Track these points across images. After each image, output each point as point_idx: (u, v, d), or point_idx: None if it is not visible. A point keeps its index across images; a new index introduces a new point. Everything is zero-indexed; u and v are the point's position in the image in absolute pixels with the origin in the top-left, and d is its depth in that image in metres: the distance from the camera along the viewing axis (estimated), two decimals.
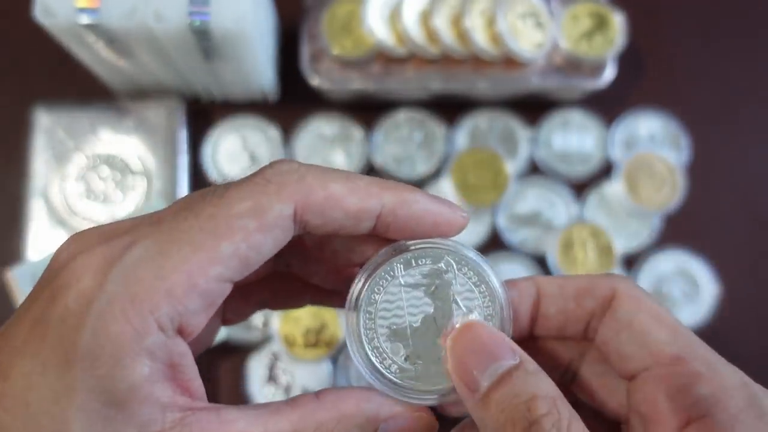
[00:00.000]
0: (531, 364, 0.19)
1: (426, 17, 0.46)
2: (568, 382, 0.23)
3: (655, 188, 0.49)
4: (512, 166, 0.49)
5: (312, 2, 0.48)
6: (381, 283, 0.21)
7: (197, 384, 0.19)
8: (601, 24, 0.48)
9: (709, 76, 0.54)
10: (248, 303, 0.25)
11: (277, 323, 0.45)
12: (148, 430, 0.17)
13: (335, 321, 0.45)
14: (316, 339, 0.45)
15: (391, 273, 0.21)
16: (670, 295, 0.49)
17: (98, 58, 0.44)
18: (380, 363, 0.21)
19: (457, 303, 0.21)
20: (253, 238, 0.18)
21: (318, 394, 0.20)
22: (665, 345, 0.20)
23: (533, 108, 0.51)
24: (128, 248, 0.17)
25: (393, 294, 0.21)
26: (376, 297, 0.21)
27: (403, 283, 0.21)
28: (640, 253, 0.49)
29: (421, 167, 0.50)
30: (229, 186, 0.19)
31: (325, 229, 0.20)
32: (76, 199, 0.47)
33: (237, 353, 0.47)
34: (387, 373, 0.21)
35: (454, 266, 0.21)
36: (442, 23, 0.46)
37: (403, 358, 0.21)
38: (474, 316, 0.21)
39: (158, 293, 0.17)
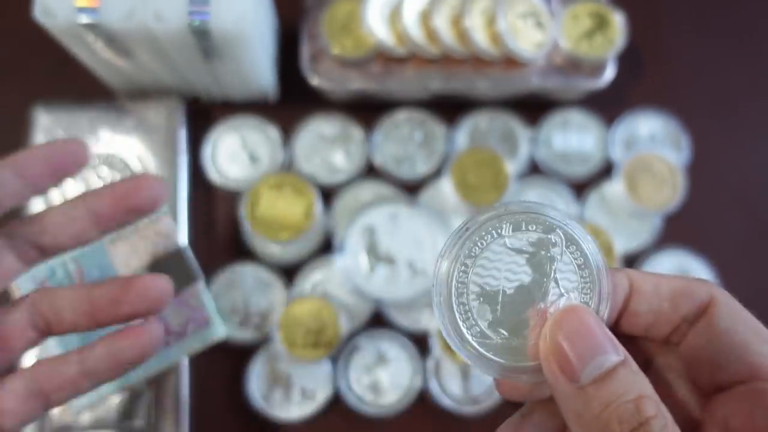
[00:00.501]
0: (634, 363, 0.19)
1: (426, 17, 0.46)
2: None
3: (656, 188, 0.49)
4: (512, 166, 0.49)
5: (312, 2, 0.48)
6: (486, 237, 0.20)
7: None
8: (601, 24, 0.48)
9: (709, 76, 0.54)
10: (16, 398, 0.27)
11: (277, 323, 0.45)
12: None
13: (335, 321, 0.45)
14: (316, 339, 0.45)
15: (499, 230, 0.20)
16: None
17: (98, 58, 0.44)
18: (464, 322, 0.20)
19: (556, 281, 0.20)
20: None
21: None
22: (766, 359, 0.19)
23: (533, 108, 0.51)
24: None
25: (495, 252, 0.20)
26: (477, 251, 0.20)
27: (508, 244, 0.20)
28: (640, 253, 0.49)
29: (421, 167, 0.50)
30: None
31: None
32: None
33: (236, 353, 0.47)
34: (467, 334, 0.20)
35: (563, 242, 0.20)
36: (442, 23, 0.46)
37: (487, 323, 0.20)
38: (573, 298, 0.20)
39: None
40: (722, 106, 0.53)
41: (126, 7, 0.39)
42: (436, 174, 0.50)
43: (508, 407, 0.47)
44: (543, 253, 0.20)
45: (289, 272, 0.48)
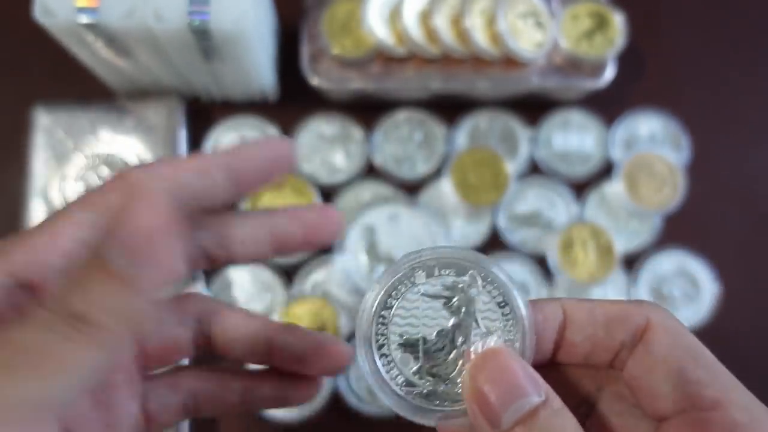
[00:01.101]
0: (556, 401, 0.18)
1: (426, 17, 0.46)
2: (583, 415, 0.21)
3: (656, 188, 0.49)
4: (512, 166, 0.49)
5: (312, 2, 0.48)
6: (399, 288, 0.20)
7: None
8: (601, 24, 0.48)
9: (709, 76, 0.54)
10: (175, 392, 0.24)
11: None
12: None
13: (335, 322, 0.45)
14: None
15: (412, 280, 0.20)
16: (670, 296, 0.49)
17: (98, 57, 0.44)
18: (387, 372, 0.20)
19: (477, 321, 0.20)
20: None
21: None
22: (703, 387, 0.19)
23: (533, 108, 0.51)
24: None
25: (410, 302, 0.20)
26: (393, 302, 0.20)
27: (422, 291, 0.20)
28: (640, 253, 0.49)
29: (421, 167, 0.50)
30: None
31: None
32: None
33: None
34: (392, 384, 0.20)
35: (479, 282, 0.20)
36: (442, 23, 0.46)
37: (412, 370, 0.20)
38: (494, 339, 0.20)
39: None
40: (722, 106, 0.53)
41: (126, 7, 0.39)
42: (436, 174, 0.50)
43: None
44: (460, 295, 0.20)
45: (289, 272, 0.48)
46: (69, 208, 0.20)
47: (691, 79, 0.54)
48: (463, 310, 0.20)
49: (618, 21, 0.48)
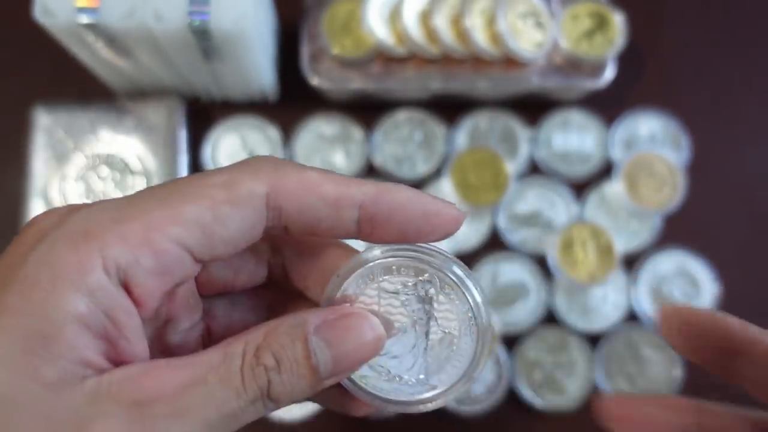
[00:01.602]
0: None
1: (426, 17, 0.46)
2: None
3: (656, 188, 0.49)
4: (512, 166, 0.49)
5: (312, 2, 0.48)
6: (359, 283, 0.20)
7: (134, 355, 0.17)
8: (601, 24, 0.48)
9: (709, 76, 0.54)
10: (235, 310, 0.23)
11: None
12: (61, 380, 0.16)
13: None
14: None
15: (371, 276, 0.20)
16: (670, 295, 0.49)
17: (98, 58, 0.44)
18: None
19: (435, 320, 0.20)
20: (219, 209, 0.17)
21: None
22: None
23: (533, 108, 0.51)
24: (100, 202, 0.18)
25: (369, 297, 0.20)
26: (353, 297, 0.20)
27: (381, 287, 0.20)
28: (640, 253, 0.49)
29: (421, 167, 0.50)
30: (224, 167, 0.19)
31: (304, 220, 0.19)
32: (76, 199, 0.47)
33: None
34: (354, 377, 0.20)
35: (438, 282, 0.20)
36: (442, 23, 0.46)
37: (370, 366, 0.20)
38: (455, 340, 0.20)
39: (111, 233, 0.16)
40: (722, 105, 0.53)
41: (126, 7, 0.39)
42: (436, 174, 0.50)
43: (507, 407, 0.47)
44: (418, 294, 0.20)
45: None
46: (172, 190, 0.18)
47: (691, 79, 0.54)
48: (423, 308, 0.20)
49: (618, 21, 0.48)
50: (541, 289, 0.48)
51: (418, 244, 0.20)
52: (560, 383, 0.47)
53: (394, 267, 0.20)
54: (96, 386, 0.16)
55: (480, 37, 0.46)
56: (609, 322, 0.48)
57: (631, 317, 0.48)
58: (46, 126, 0.48)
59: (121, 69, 0.46)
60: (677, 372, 0.47)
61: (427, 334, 0.20)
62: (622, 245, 0.48)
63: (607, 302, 0.48)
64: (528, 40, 0.47)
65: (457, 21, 0.46)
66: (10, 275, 0.16)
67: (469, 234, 0.49)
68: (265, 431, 0.46)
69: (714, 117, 0.53)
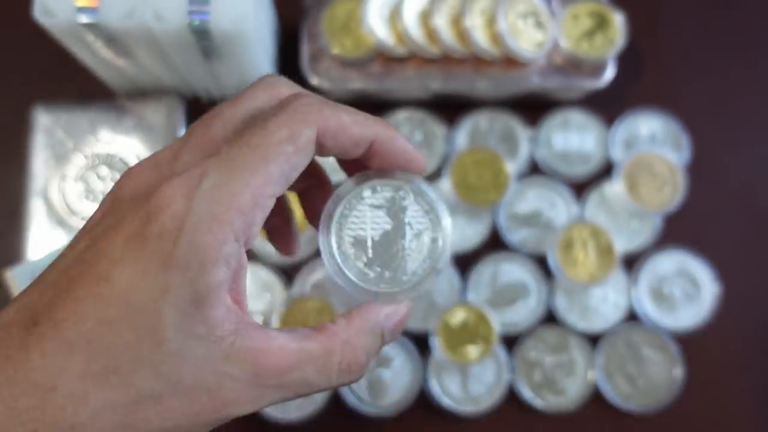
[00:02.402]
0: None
1: (426, 17, 0.46)
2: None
3: (656, 188, 0.49)
4: (512, 166, 0.49)
5: (311, 2, 0.48)
6: (352, 202, 0.26)
7: (245, 298, 0.23)
8: (601, 24, 0.48)
9: (709, 76, 0.54)
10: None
11: (277, 323, 0.45)
12: (213, 332, 0.21)
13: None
14: None
15: (360, 195, 0.26)
16: (671, 295, 0.49)
17: (98, 57, 0.44)
18: (344, 264, 0.26)
19: (410, 225, 0.26)
20: (292, 161, 0.22)
21: (333, 321, 0.24)
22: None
23: (533, 108, 0.51)
24: (202, 177, 0.21)
25: (360, 211, 0.26)
26: (346, 212, 0.26)
27: (368, 203, 0.26)
28: (640, 253, 0.49)
29: None
30: (267, 118, 0.23)
31: (333, 152, 0.25)
32: (75, 199, 0.47)
33: None
34: (348, 273, 0.26)
35: (411, 196, 0.26)
36: (442, 23, 0.46)
37: (362, 263, 0.26)
38: (424, 236, 0.26)
39: (233, 211, 0.21)
40: (722, 105, 0.53)
41: (126, 7, 0.39)
42: (436, 174, 0.50)
43: (507, 407, 0.47)
44: (396, 205, 0.26)
45: (289, 272, 0.48)
46: (258, 153, 0.22)
47: (691, 78, 0.53)
48: (401, 216, 0.26)
49: (618, 21, 0.48)
50: (541, 289, 0.48)
51: (393, 172, 0.26)
52: (560, 383, 0.47)
53: (377, 186, 0.26)
54: (229, 348, 0.21)
55: (480, 37, 0.46)
56: (609, 322, 0.48)
57: (631, 317, 0.48)
58: (45, 126, 0.48)
59: (121, 69, 0.46)
60: (677, 372, 0.47)
61: (403, 236, 0.26)
62: (622, 245, 0.48)
63: (607, 302, 0.48)
64: (528, 39, 0.47)
65: (457, 21, 0.46)
66: (168, 259, 0.20)
67: (470, 234, 0.49)
68: (265, 431, 0.46)
69: (714, 117, 0.53)
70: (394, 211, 0.26)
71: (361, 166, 0.27)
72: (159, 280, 0.20)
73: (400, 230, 0.26)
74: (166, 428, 0.21)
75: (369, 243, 0.26)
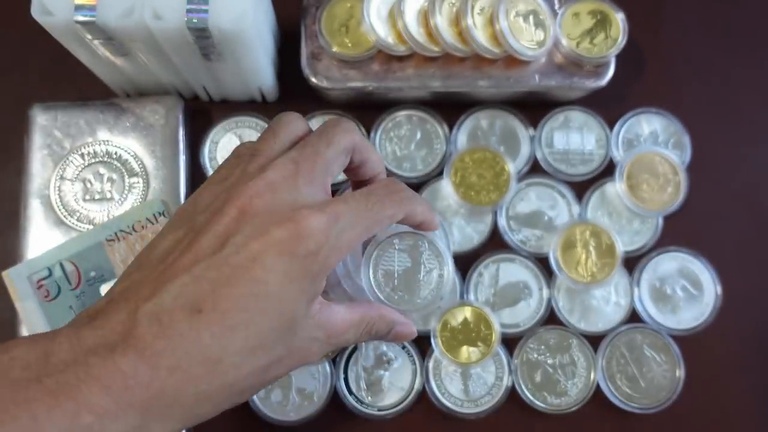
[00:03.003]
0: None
1: (426, 15, 0.46)
2: None
3: (658, 188, 0.49)
4: (513, 166, 0.49)
5: (310, 0, 0.48)
6: (385, 246, 0.36)
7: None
8: (602, 22, 0.48)
9: (711, 75, 0.53)
10: None
11: None
12: (315, 314, 0.30)
13: None
14: None
15: (392, 242, 0.36)
16: (672, 296, 0.48)
17: (96, 56, 0.44)
18: (377, 288, 0.36)
19: (424, 264, 0.36)
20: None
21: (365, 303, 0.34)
22: None
23: (534, 107, 0.51)
24: (337, 220, 0.29)
25: (390, 253, 0.36)
26: (380, 253, 0.36)
27: (396, 248, 0.36)
28: (642, 253, 0.49)
29: (421, 167, 0.50)
30: (385, 191, 0.33)
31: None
32: (73, 199, 0.47)
33: None
34: (380, 295, 0.36)
35: (426, 244, 0.36)
36: (441, 21, 0.45)
37: (390, 289, 0.36)
38: (434, 272, 0.36)
39: (348, 248, 0.30)
40: (724, 105, 0.53)
41: (124, 6, 0.39)
42: (436, 174, 0.50)
43: (508, 408, 0.46)
44: (416, 250, 0.36)
45: None
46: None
47: (692, 78, 0.53)
48: (419, 258, 0.36)
49: (619, 19, 0.48)
50: (542, 290, 0.48)
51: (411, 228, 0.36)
52: (561, 385, 0.47)
53: (403, 236, 0.37)
54: (318, 322, 0.30)
55: (480, 36, 0.46)
56: (610, 322, 0.48)
57: (633, 318, 0.48)
58: (43, 125, 0.47)
59: (120, 68, 0.46)
60: (679, 373, 0.47)
61: (419, 271, 0.36)
62: (624, 245, 0.48)
63: (608, 303, 0.48)
64: (529, 38, 0.47)
65: (457, 19, 0.46)
66: (307, 270, 0.29)
67: (470, 234, 0.49)
68: (265, 431, 0.46)
69: (715, 117, 0.53)
70: (414, 254, 0.36)
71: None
72: (300, 285, 0.28)
73: (417, 268, 0.36)
74: (278, 375, 0.30)
75: (395, 275, 0.36)
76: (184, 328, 0.26)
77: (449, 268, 0.36)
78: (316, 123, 0.50)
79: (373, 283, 0.36)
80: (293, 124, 0.34)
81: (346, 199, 0.30)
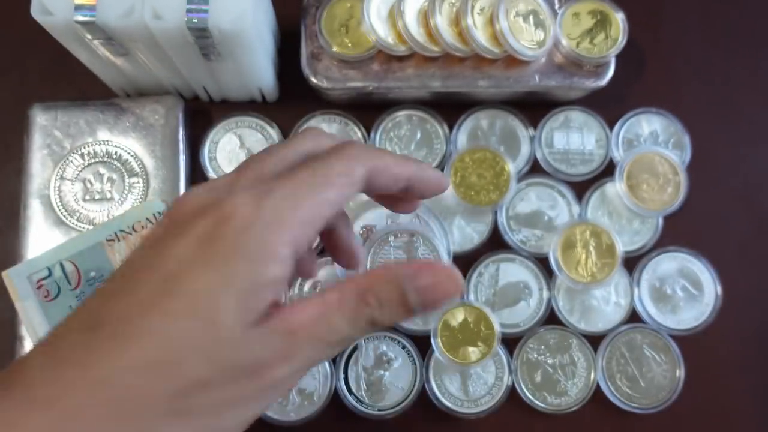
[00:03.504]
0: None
1: (426, 15, 0.46)
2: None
3: (659, 188, 0.49)
4: (513, 166, 0.49)
5: (310, 0, 0.48)
6: (381, 243, 0.38)
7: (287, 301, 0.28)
8: (602, 22, 0.48)
9: (711, 75, 0.53)
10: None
11: None
12: (263, 318, 0.23)
13: None
14: None
15: (387, 239, 0.38)
16: (672, 296, 0.48)
17: (96, 56, 0.44)
18: None
19: (419, 258, 0.40)
20: (345, 190, 0.26)
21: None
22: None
23: (534, 107, 0.51)
24: (270, 191, 0.24)
25: (386, 250, 0.38)
26: (377, 250, 0.38)
27: (393, 245, 0.38)
28: (642, 253, 0.49)
29: None
30: (325, 156, 0.27)
31: (378, 188, 0.29)
32: (73, 199, 0.47)
33: None
34: None
35: (421, 240, 0.38)
36: (441, 21, 0.45)
37: None
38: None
39: (295, 221, 0.24)
40: (724, 105, 0.53)
41: (124, 5, 0.39)
42: None
43: (508, 408, 0.46)
44: (411, 246, 0.38)
45: None
46: (319, 176, 0.26)
47: (692, 78, 0.53)
48: (414, 253, 0.38)
49: (619, 19, 0.48)
50: (542, 290, 0.48)
51: (408, 222, 0.39)
52: (561, 384, 0.47)
53: (398, 233, 0.38)
54: (275, 323, 0.23)
55: (480, 36, 0.46)
56: (610, 323, 0.48)
57: (633, 318, 0.48)
58: (43, 125, 0.47)
59: (119, 68, 0.45)
60: (679, 373, 0.47)
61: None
62: (624, 245, 0.48)
63: (608, 303, 0.48)
64: (529, 38, 0.47)
65: (457, 19, 0.46)
66: (232, 252, 0.23)
67: (470, 234, 0.49)
68: (265, 431, 0.46)
69: (715, 117, 0.53)
70: (410, 250, 0.38)
71: (397, 198, 0.33)
72: (223, 272, 0.23)
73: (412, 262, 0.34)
74: (219, 414, 0.23)
75: None
76: (77, 350, 0.22)
77: (443, 263, 0.37)
78: (315, 123, 0.50)
79: None
80: (308, 143, 0.29)
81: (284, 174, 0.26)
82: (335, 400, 0.46)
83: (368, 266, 0.35)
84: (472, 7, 0.46)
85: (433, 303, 0.26)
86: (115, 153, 0.47)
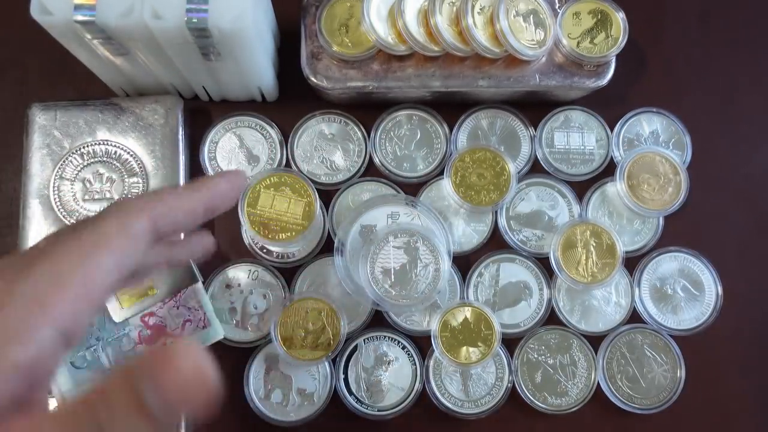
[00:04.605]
0: None
1: (426, 14, 0.46)
2: None
3: (659, 188, 0.49)
4: (513, 166, 0.48)
5: (311, 0, 0.48)
6: (381, 245, 0.38)
7: (47, 385, 0.23)
8: (603, 22, 0.48)
9: (711, 75, 0.53)
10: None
11: (277, 323, 0.45)
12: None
13: (335, 322, 0.44)
14: (315, 340, 0.44)
15: (387, 240, 0.37)
16: (673, 296, 0.48)
17: (95, 56, 0.44)
18: (375, 284, 0.38)
19: (420, 259, 0.38)
20: (125, 251, 0.24)
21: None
22: None
23: (535, 107, 0.51)
24: (30, 266, 0.22)
25: (386, 251, 0.38)
26: (377, 251, 0.38)
27: (392, 245, 0.38)
28: (642, 253, 0.49)
29: (421, 167, 0.50)
30: (99, 216, 0.25)
31: (176, 231, 0.27)
32: (72, 199, 0.46)
33: (235, 354, 0.46)
34: (378, 291, 0.38)
35: (421, 240, 0.38)
36: (441, 21, 0.45)
37: (388, 285, 0.38)
38: (430, 267, 0.39)
39: (57, 298, 0.22)
40: (724, 105, 0.53)
41: (124, 5, 0.38)
42: (437, 174, 0.50)
43: (509, 409, 0.46)
44: (412, 246, 0.38)
45: (288, 272, 0.48)
46: (87, 244, 0.23)
47: (692, 78, 0.53)
48: (414, 254, 0.38)
49: (620, 19, 0.48)
50: (542, 290, 0.48)
51: (409, 223, 0.38)
52: (561, 385, 0.47)
53: (398, 233, 0.38)
54: None
55: (481, 35, 0.45)
56: (611, 323, 0.48)
57: (634, 318, 0.48)
58: (42, 125, 0.47)
59: (119, 68, 0.45)
60: (680, 373, 0.47)
61: (415, 267, 0.38)
62: (624, 245, 0.48)
63: (609, 303, 0.48)
64: (529, 38, 0.46)
65: (457, 19, 0.46)
66: None
67: (471, 234, 0.49)
68: (265, 431, 0.46)
69: (715, 117, 0.53)
70: (410, 250, 0.38)
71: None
72: None
73: (413, 263, 0.38)
74: None
75: (392, 271, 0.38)
76: None
77: (445, 263, 0.38)
78: (315, 123, 0.50)
79: (371, 280, 0.37)
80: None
81: None
82: (335, 400, 0.46)
83: (368, 269, 0.35)
84: (472, 7, 0.45)
85: (182, 405, 0.20)
86: (115, 153, 0.47)
